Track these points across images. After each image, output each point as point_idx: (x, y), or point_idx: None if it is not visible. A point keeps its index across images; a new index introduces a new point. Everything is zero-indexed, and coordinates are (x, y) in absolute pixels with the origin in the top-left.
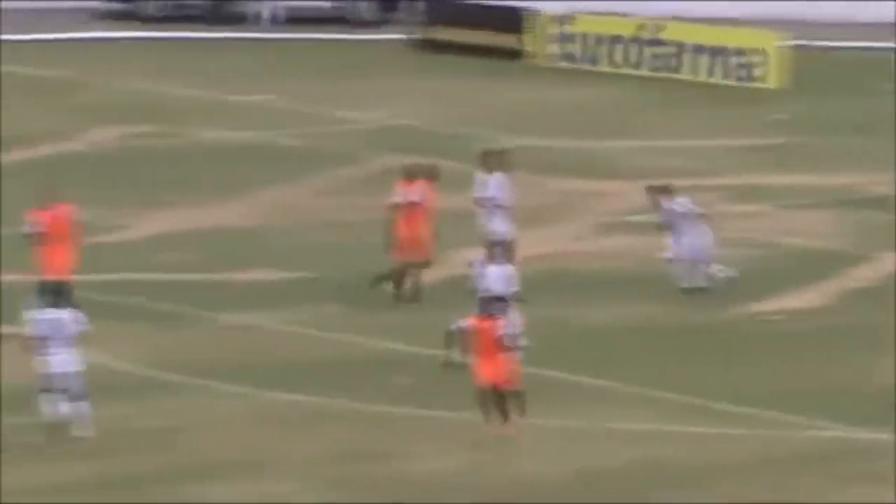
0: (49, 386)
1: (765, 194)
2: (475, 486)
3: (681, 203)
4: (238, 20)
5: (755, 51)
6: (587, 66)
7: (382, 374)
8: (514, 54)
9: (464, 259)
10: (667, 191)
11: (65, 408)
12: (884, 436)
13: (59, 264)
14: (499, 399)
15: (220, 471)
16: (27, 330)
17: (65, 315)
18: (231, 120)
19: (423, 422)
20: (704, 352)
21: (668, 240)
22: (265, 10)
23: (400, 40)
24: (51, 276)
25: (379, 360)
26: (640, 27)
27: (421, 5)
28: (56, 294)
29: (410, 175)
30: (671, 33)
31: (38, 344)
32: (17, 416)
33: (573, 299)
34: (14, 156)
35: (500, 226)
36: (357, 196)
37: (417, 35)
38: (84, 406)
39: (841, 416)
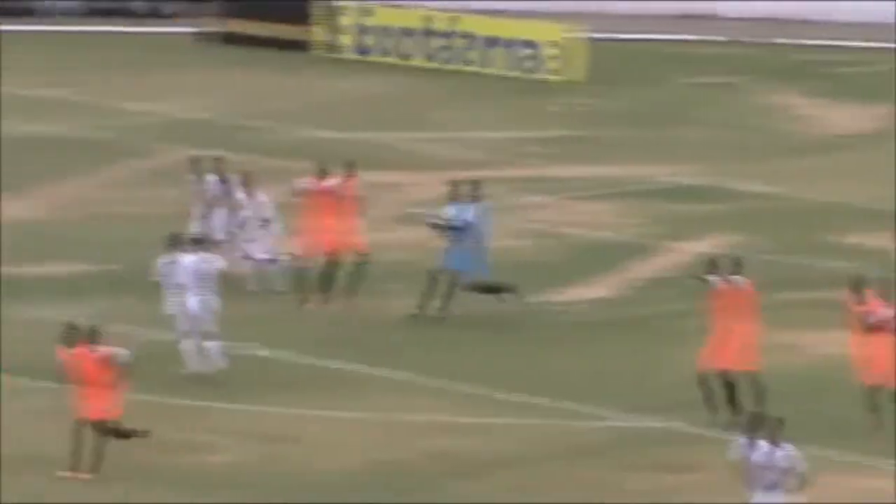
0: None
1: (553, 185)
2: (267, 480)
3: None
4: (30, 13)
5: (546, 43)
6: (382, 58)
7: (173, 365)
8: (306, 46)
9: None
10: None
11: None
12: (675, 425)
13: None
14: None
15: (21, 464)
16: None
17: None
18: (24, 114)
19: (217, 414)
20: (497, 343)
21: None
22: (60, 3)
23: (195, 33)
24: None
25: (169, 352)
26: (433, 19)
27: None
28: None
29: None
30: (463, 25)
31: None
32: None
33: (369, 290)
34: None
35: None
36: (147, 189)
37: (212, 28)
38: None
39: (632, 406)
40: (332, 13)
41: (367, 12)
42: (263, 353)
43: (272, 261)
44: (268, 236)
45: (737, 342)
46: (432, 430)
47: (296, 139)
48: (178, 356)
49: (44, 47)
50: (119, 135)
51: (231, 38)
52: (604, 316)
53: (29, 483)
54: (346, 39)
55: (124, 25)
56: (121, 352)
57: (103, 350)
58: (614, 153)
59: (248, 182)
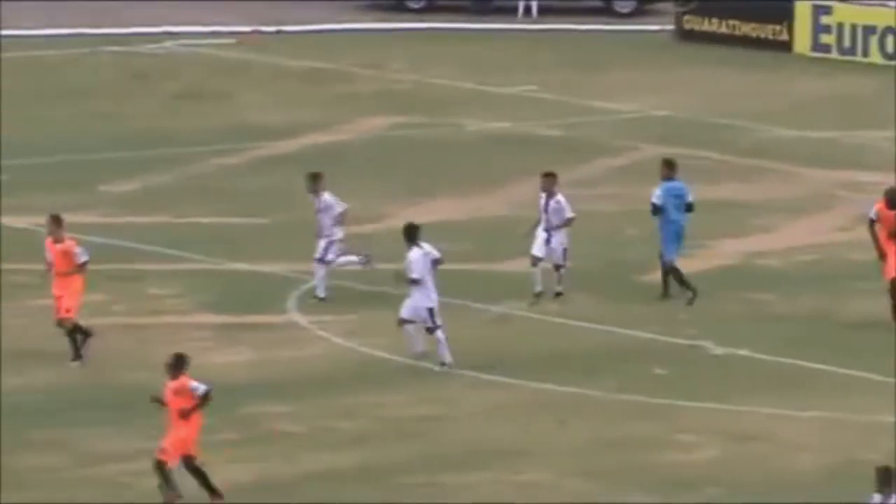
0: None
1: None
2: (745, 477)
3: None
4: (500, 11)
5: None
6: (845, 57)
7: (639, 364)
8: (778, 45)
9: (730, 250)
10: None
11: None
12: None
13: None
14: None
15: (479, 460)
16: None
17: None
18: (492, 110)
19: (679, 412)
20: None
21: None
22: (526, 2)
23: (658, 31)
24: None
25: (635, 350)
26: None
27: None
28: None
29: None
30: None
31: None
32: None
33: (837, 290)
34: (282, 146)
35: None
36: (614, 187)
37: (676, 26)
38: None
39: None
40: (797, 12)
41: (846, 12)
42: (719, 351)
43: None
44: None
45: None
46: None
47: (765, 138)
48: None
49: (512, 45)
50: (587, 132)
51: (700, 36)
52: None
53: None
54: (810, 39)
55: (588, 24)
56: (198, 386)
57: (184, 380)
58: None
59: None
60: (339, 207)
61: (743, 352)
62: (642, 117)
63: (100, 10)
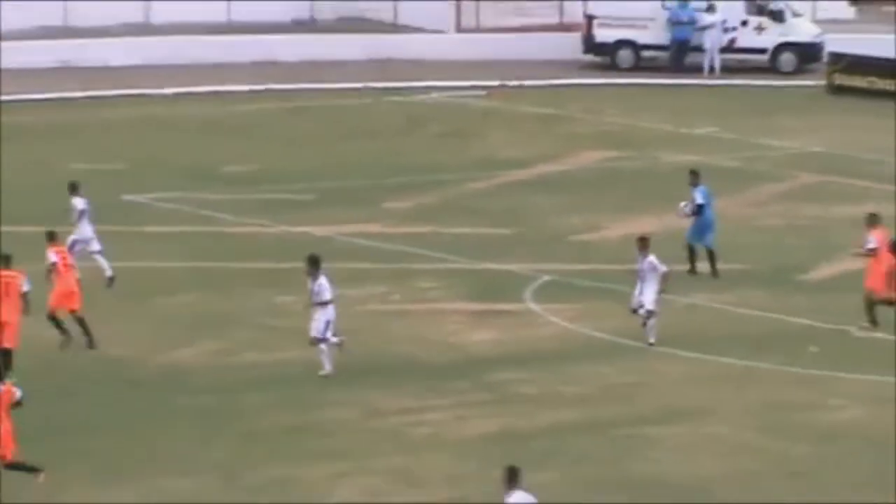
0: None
1: None
2: (874, 433)
3: None
4: (692, 70)
5: None
6: None
7: (799, 343)
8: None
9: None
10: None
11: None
12: None
13: None
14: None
15: (673, 417)
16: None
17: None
18: (684, 147)
19: (831, 382)
20: None
21: None
22: (707, 63)
23: (813, 86)
24: None
25: (796, 332)
26: None
27: (831, 57)
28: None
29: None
30: None
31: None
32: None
33: None
34: (520, 174)
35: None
36: (778, 206)
37: (828, 82)
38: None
39: None
40: None
41: None
42: (860, 334)
43: None
44: None
45: None
46: None
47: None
48: (807, 337)
49: (699, 96)
50: (758, 164)
51: (847, 90)
52: None
53: (681, 431)
54: None
55: (758, 80)
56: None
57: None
58: None
59: None
60: (80, 205)
61: (879, 335)
62: (802, 153)
63: (381, 67)
